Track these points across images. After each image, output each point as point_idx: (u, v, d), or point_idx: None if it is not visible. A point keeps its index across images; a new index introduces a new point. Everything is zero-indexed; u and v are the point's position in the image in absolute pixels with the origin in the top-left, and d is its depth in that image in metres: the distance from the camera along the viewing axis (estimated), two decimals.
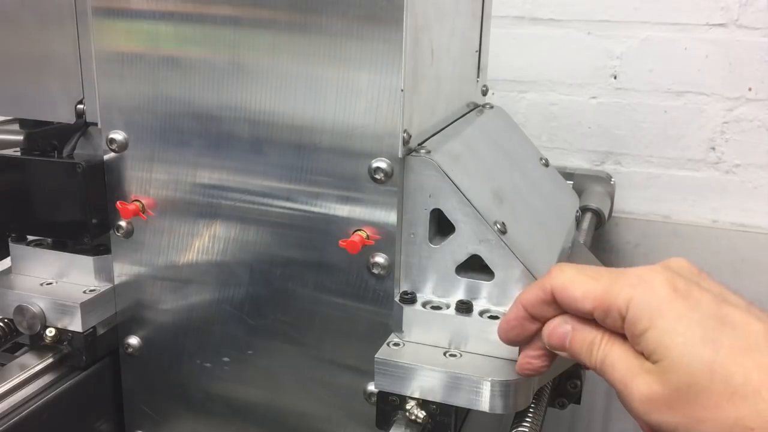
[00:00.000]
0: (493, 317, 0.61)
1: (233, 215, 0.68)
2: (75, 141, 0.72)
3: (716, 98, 1.18)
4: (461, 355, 0.61)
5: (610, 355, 0.46)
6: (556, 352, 0.50)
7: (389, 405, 0.61)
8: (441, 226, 0.64)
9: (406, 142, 0.61)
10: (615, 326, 0.46)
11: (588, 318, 0.48)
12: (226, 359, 0.72)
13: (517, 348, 0.60)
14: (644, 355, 0.44)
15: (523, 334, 0.53)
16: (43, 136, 0.75)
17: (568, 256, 0.78)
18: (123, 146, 0.69)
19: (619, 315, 0.45)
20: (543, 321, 0.51)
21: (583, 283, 0.47)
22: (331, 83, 0.62)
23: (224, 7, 0.63)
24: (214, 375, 0.73)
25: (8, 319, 0.74)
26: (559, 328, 0.49)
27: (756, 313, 0.44)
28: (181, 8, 0.65)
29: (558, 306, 0.49)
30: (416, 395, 0.60)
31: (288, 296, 0.68)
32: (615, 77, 1.22)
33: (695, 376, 0.41)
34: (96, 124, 0.70)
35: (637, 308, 0.44)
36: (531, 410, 0.63)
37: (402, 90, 0.60)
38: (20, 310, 0.72)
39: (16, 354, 0.81)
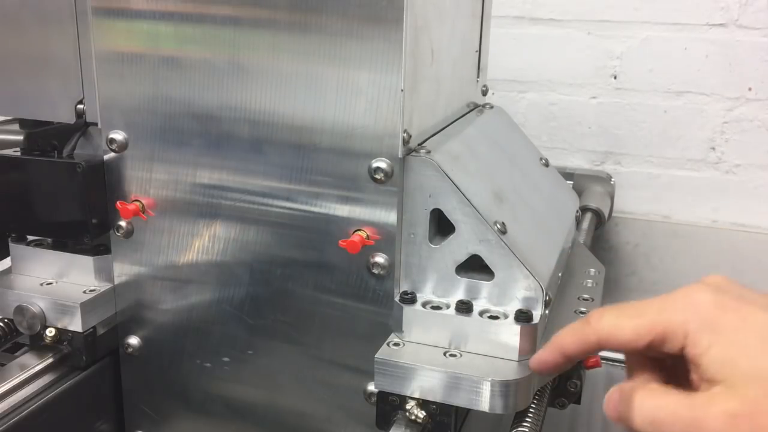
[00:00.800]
0: (493, 317, 0.61)
1: (233, 215, 0.68)
2: (75, 141, 0.73)
3: (716, 98, 1.18)
4: (461, 355, 0.61)
5: (661, 404, 0.45)
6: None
7: (389, 405, 0.61)
8: (441, 226, 0.64)
9: (406, 142, 0.61)
10: (672, 351, 0.46)
11: (643, 355, 0.49)
12: (226, 359, 0.72)
13: (516, 350, 0.60)
14: (704, 378, 0.44)
15: (556, 371, 0.56)
16: (43, 136, 0.75)
17: (568, 256, 0.78)
18: (123, 146, 0.69)
19: (678, 341, 0.45)
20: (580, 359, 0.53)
21: (629, 325, 0.47)
22: (331, 83, 0.62)
23: (224, 7, 0.63)
24: (214, 375, 0.73)
25: (8, 319, 0.74)
26: (612, 397, 0.49)
27: None
28: (181, 8, 0.65)
29: (601, 348, 0.50)
30: (416, 395, 0.60)
31: (288, 296, 0.68)
32: (615, 77, 1.22)
33: (766, 385, 0.41)
34: (96, 124, 0.70)
35: (696, 330, 0.44)
36: (531, 410, 0.63)
37: (402, 90, 0.60)
38: (20, 310, 0.72)
39: (16, 354, 0.81)
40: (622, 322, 0.48)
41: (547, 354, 0.54)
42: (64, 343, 0.72)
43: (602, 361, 0.70)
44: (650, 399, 0.46)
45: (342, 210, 0.64)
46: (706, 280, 0.48)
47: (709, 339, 0.44)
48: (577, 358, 0.52)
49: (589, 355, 0.51)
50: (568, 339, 0.52)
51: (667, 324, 0.46)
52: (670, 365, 0.49)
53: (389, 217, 0.63)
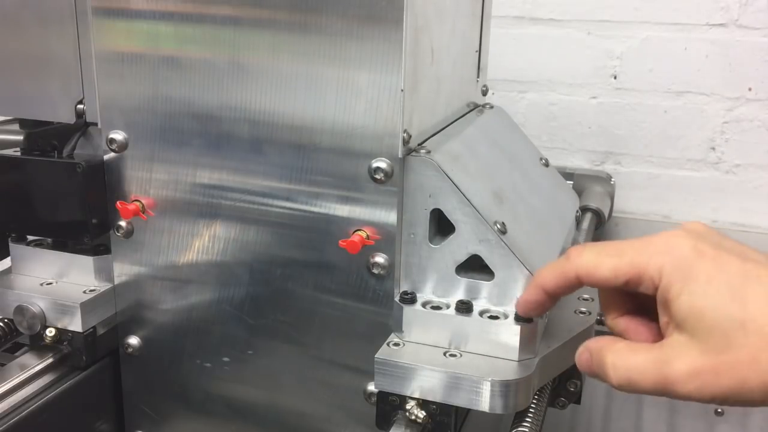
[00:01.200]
0: (493, 317, 0.61)
1: (233, 215, 0.68)
2: (75, 141, 0.73)
3: (716, 98, 1.18)
4: (461, 355, 0.61)
5: (631, 364, 0.47)
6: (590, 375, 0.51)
7: (389, 405, 0.61)
8: (441, 226, 0.64)
9: (406, 142, 0.61)
10: (647, 292, 0.47)
11: (618, 290, 0.50)
12: (226, 359, 0.72)
13: (516, 350, 0.60)
14: (672, 323, 0.45)
15: (542, 310, 0.57)
16: (43, 136, 0.75)
17: None
18: (123, 146, 0.69)
19: (652, 283, 0.46)
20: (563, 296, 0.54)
21: (607, 264, 0.48)
22: (331, 83, 0.62)
23: (224, 7, 0.63)
24: (214, 375, 0.73)
25: (8, 319, 0.74)
26: (582, 356, 0.51)
27: None
28: (181, 8, 0.65)
29: (580, 284, 0.51)
30: (416, 395, 0.60)
31: (288, 296, 0.68)
32: (615, 77, 1.22)
33: (730, 336, 0.42)
34: (96, 124, 0.70)
35: (670, 275, 0.45)
36: (531, 410, 0.63)
37: (402, 90, 0.60)
38: (20, 310, 0.72)
39: (16, 354, 0.81)
40: (602, 260, 0.49)
41: (529, 293, 0.55)
42: (64, 343, 0.72)
43: None
44: (621, 360, 0.47)
45: (342, 210, 0.64)
46: (686, 226, 0.49)
47: (681, 286, 0.45)
48: (559, 294, 0.53)
49: (570, 291, 0.52)
50: (548, 276, 0.53)
51: (645, 266, 0.46)
52: (643, 299, 0.49)
53: (389, 217, 0.63)
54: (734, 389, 0.42)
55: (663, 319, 0.47)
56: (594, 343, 0.50)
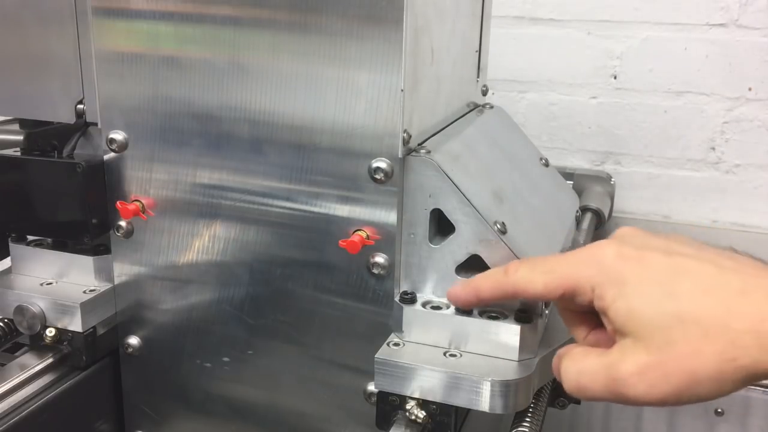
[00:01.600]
0: (493, 317, 0.61)
1: (233, 215, 0.68)
2: (75, 141, 0.73)
3: (716, 98, 1.18)
4: (461, 355, 0.61)
5: (581, 368, 0.47)
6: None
7: (389, 405, 0.61)
8: (441, 226, 0.64)
9: (406, 142, 0.61)
10: (584, 304, 0.48)
11: (573, 309, 0.52)
12: (226, 359, 0.72)
13: (516, 350, 0.60)
14: (615, 330, 0.46)
15: (468, 308, 0.60)
16: (43, 136, 0.75)
17: None
18: (123, 146, 0.69)
19: (586, 295, 0.47)
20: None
21: (540, 280, 0.50)
22: (331, 83, 0.62)
23: (224, 7, 0.63)
24: (214, 375, 0.73)
25: (8, 319, 0.74)
26: (554, 362, 0.51)
27: (707, 255, 0.46)
28: (181, 8, 0.65)
29: (516, 297, 0.53)
30: (416, 395, 0.60)
31: (288, 296, 0.68)
32: (615, 77, 1.22)
33: (670, 331, 0.43)
34: (96, 124, 0.70)
35: (601, 284, 0.46)
36: (531, 410, 0.63)
37: (402, 90, 0.60)
38: (20, 310, 0.72)
39: (16, 354, 0.81)
40: (535, 277, 0.50)
41: (461, 291, 0.57)
42: (64, 343, 0.72)
43: None
44: (573, 365, 0.48)
45: (342, 210, 0.64)
46: (617, 233, 0.50)
47: (614, 292, 0.46)
48: (492, 302, 0.57)
49: (506, 300, 0.55)
50: (485, 285, 0.55)
51: (576, 279, 0.48)
52: (596, 316, 0.50)
53: (389, 217, 0.63)
54: (684, 384, 0.43)
55: (608, 327, 0.47)
56: (561, 349, 0.51)
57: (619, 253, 0.47)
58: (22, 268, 0.76)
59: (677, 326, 0.43)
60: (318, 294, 0.67)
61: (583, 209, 1.09)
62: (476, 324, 0.61)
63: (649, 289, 0.45)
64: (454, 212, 0.62)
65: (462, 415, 0.64)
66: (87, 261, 0.74)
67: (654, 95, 1.20)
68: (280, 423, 0.72)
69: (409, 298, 0.63)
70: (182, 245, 0.70)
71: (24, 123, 0.75)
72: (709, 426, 1.16)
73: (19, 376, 0.70)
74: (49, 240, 0.76)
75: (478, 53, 0.85)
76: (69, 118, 0.72)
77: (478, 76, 0.87)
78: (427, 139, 0.67)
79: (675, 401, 0.43)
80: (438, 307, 0.62)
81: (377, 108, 0.61)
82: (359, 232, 0.63)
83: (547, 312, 0.64)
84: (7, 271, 0.77)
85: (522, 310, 0.61)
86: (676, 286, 0.44)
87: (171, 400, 0.75)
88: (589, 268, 0.47)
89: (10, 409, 0.67)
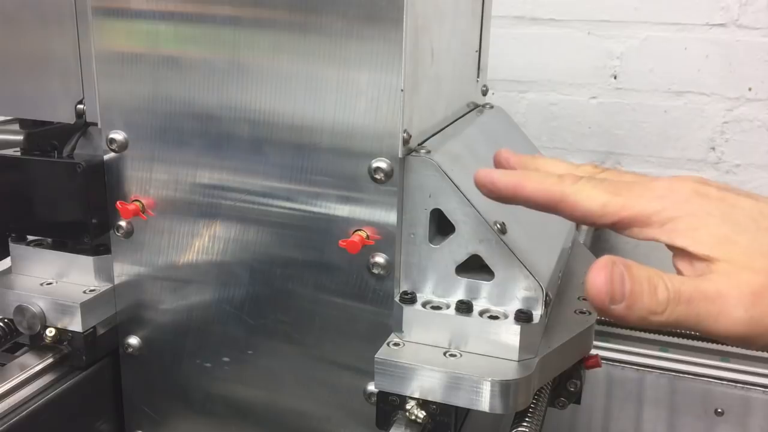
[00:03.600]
0: (493, 317, 0.61)
1: (233, 215, 0.68)
2: (75, 141, 0.72)
3: (716, 98, 1.18)
4: (461, 355, 0.61)
5: (684, 283, 0.40)
6: (610, 308, 0.41)
7: (389, 405, 0.61)
8: (441, 226, 0.64)
9: (406, 142, 0.61)
10: (639, 238, 0.43)
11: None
12: (226, 359, 0.72)
13: (516, 350, 0.60)
14: (697, 258, 0.41)
15: (495, 199, 0.50)
16: (43, 136, 0.75)
17: (568, 256, 0.78)
18: (123, 146, 0.69)
19: (649, 229, 0.42)
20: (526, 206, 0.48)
21: (600, 198, 0.44)
22: (331, 83, 0.62)
23: (224, 7, 0.63)
24: (214, 375, 0.73)
25: (8, 319, 0.74)
26: (615, 274, 0.40)
27: None
28: (181, 8, 0.65)
29: (556, 210, 0.46)
30: (416, 395, 0.60)
31: (288, 296, 0.68)
32: (615, 77, 1.22)
33: None
34: (96, 124, 0.70)
35: (674, 219, 0.41)
36: (531, 410, 0.63)
37: (402, 90, 0.60)
38: (20, 310, 0.72)
39: (16, 354, 0.81)
40: (595, 193, 0.44)
41: (501, 178, 0.48)
42: (64, 343, 0.72)
43: (602, 361, 0.71)
44: (644, 271, 0.40)
45: (342, 210, 0.64)
46: (679, 178, 0.46)
47: (693, 223, 0.41)
48: (527, 204, 0.48)
49: (543, 209, 0.47)
50: (532, 182, 0.47)
51: (642, 209, 0.43)
52: None
53: (389, 217, 0.63)
54: None
55: (682, 265, 0.42)
56: (631, 269, 0.41)
57: (698, 191, 0.42)
58: (22, 268, 0.76)
59: None
60: (318, 294, 0.67)
61: None
62: (476, 324, 0.61)
63: (739, 221, 0.40)
64: (454, 212, 0.62)
65: (462, 415, 0.64)
66: (87, 261, 0.74)
67: (654, 95, 1.20)
68: (280, 423, 0.72)
69: (409, 298, 0.63)
70: (182, 245, 0.70)
71: (24, 123, 0.75)
72: (709, 426, 1.16)
73: (19, 376, 0.70)
74: (49, 240, 0.76)
75: (478, 53, 0.85)
76: (69, 118, 0.72)
77: (478, 76, 0.87)
78: (427, 139, 0.67)
79: None
80: (438, 307, 0.62)
81: (377, 108, 0.61)
82: (359, 232, 0.63)
83: (547, 312, 0.64)
84: (7, 271, 0.77)
85: (522, 310, 0.61)
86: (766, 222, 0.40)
87: (171, 400, 0.75)
88: (662, 201, 0.42)
89: (10, 409, 0.67)
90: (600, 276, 0.40)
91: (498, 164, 0.55)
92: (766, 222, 0.40)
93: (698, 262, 0.41)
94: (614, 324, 1.09)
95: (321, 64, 0.62)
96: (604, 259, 0.40)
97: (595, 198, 0.44)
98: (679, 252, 0.42)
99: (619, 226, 0.44)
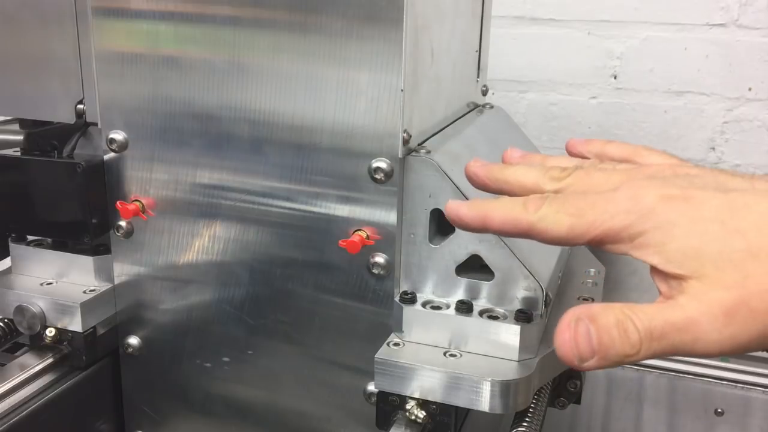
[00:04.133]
0: (493, 317, 0.61)
1: (233, 215, 0.68)
2: (75, 141, 0.72)
3: (716, 98, 1.18)
4: (461, 355, 0.61)
5: (653, 319, 0.39)
6: (583, 365, 0.40)
7: (389, 405, 0.61)
8: (441, 226, 0.64)
9: (406, 142, 0.61)
10: (615, 252, 0.42)
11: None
12: (226, 359, 0.72)
13: (516, 350, 0.60)
14: (669, 277, 0.40)
15: (466, 230, 0.49)
16: (43, 136, 0.75)
17: (568, 256, 0.78)
18: (123, 146, 0.69)
19: (619, 245, 0.41)
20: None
21: (566, 222, 0.43)
22: (331, 83, 0.62)
23: (224, 7, 0.63)
24: (214, 375, 0.73)
25: (8, 319, 0.74)
26: (579, 333, 0.39)
27: (762, 186, 0.41)
28: (181, 8, 0.65)
29: (529, 237, 0.45)
30: (416, 395, 0.60)
31: (288, 296, 0.68)
32: (615, 77, 1.22)
33: (745, 267, 0.38)
34: (96, 124, 0.70)
35: (643, 233, 0.40)
36: (531, 410, 0.63)
37: (402, 90, 0.60)
38: (20, 310, 0.72)
39: (16, 354, 0.81)
40: (560, 218, 0.43)
41: (467, 211, 0.47)
42: (64, 343, 0.72)
43: None
44: (638, 318, 0.39)
45: (342, 210, 0.64)
46: (649, 170, 0.45)
47: (661, 236, 0.40)
48: (500, 234, 0.48)
49: (514, 236, 0.46)
50: (498, 213, 0.46)
51: (609, 227, 0.41)
52: None
53: (389, 217, 0.63)
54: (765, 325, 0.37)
55: (660, 284, 0.41)
56: (588, 310, 0.40)
57: (662, 195, 0.41)
58: (22, 268, 0.76)
59: (751, 261, 0.37)
60: (318, 294, 0.67)
61: None
62: (476, 324, 0.61)
63: (706, 227, 0.39)
64: None
65: (462, 415, 0.64)
66: (87, 261, 0.74)
67: (654, 95, 1.20)
68: (280, 423, 0.72)
69: (409, 298, 0.63)
70: (182, 245, 0.70)
71: (24, 123, 0.75)
72: (709, 426, 1.16)
73: (19, 376, 0.70)
74: (49, 240, 0.76)
75: (478, 53, 0.85)
76: (69, 118, 0.72)
77: (478, 76, 0.87)
78: (427, 139, 0.67)
79: (758, 344, 0.38)
80: (438, 307, 0.62)
81: (377, 108, 0.61)
82: (359, 232, 0.63)
83: (547, 312, 0.64)
84: (7, 271, 0.77)
85: (522, 310, 0.61)
86: (738, 222, 0.39)
87: (171, 400, 0.75)
88: (628, 215, 0.41)
89: (10, 409, 0.67)
90: (564, 337, 0.39)
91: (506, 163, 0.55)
92: (735, 221, 0.39)
93: (672, 280, 0.40)
94: None
95: (321, 64, 0.62)
96: (567, 317, 0.40)
97: (559, 223, 0.43)
98: (652, 268, 0.41)
99: (593, 245, 0.43)
